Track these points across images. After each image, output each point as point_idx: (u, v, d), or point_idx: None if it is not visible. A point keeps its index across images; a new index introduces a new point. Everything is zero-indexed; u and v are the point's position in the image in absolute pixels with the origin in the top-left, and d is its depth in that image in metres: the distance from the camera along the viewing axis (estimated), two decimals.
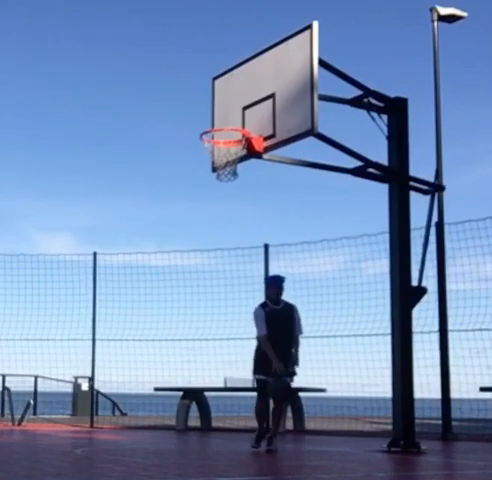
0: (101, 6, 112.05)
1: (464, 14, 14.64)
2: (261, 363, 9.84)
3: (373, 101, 10.85)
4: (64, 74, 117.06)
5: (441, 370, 13.22)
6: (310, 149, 10.73)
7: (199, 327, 16.26)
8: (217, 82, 11.39)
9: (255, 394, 10.32)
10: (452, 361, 13.27)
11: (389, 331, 10.84)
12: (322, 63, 10.10)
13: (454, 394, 13.29)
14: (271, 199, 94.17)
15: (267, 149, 10.39)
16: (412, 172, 10.97)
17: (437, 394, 13.22)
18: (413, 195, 11.00)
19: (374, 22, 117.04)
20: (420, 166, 12.21)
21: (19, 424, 16.04)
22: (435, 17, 14.50)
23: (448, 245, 13.66)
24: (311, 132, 9.89)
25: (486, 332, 13.13)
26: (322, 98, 10.14)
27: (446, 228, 13.75)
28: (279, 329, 9.81)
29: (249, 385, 14.43)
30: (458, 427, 13.97)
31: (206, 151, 10.61)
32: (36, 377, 19.33)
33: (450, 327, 13.39)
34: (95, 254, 16.63)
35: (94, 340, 16.36)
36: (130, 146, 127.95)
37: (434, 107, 14.24)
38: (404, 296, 10.65)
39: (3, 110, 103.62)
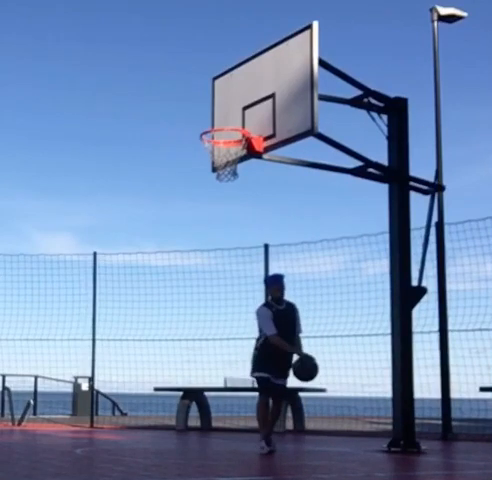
0: (101, 6, 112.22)
1: (464, 14, 14.64)
2: (262, 361, 9.77)
3: (373, 101, 10.85)
4: (64, 74, 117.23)
5: (441, 370, 13.22)
6: (310, 149, 10.75)
7: (199, 327, 16.28)
8: (217, 82, 11.39)
9: (255, 394, 10.31)
10: (452, 361, 13.28)
11: (389, 331, 10.84)
12: (322, 63, 10.10)
13: (454, 394, 13.30)
14: (271, 199, 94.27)
15: (267, 149, 10.39)
16: (412, 172, 10.98)
17: (437, 394, 13.22)
18: (413, 195, 11.01)
19: (374, 22, 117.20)
20: (420, 166, 12.23)
21: (19, 424, 16.04)
22: (435, 17, 14.50)
23: (448, 245, 13.68)
24: (311, 132, 9.89)
25: (486, 332, 13.14)
26: (322, 98, 10.14)
27: (446, 228, 13.75)
28: (284, 330, 9.72)
29: (249, 385, 14.45)
30: (458, 427, 13.97)
31: (206, 151, 10.61)
32: (36, 377, 19.32)
33: (450, 327, 13.39)
34: (95, 254, 16.63)
35: (94, 340, 16.36)
36: (130, 146, 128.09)
37: (434, 107, 14.25)
38: (404, 296, 10.65)
39: (3, 110, 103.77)
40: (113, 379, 16.55)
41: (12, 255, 17.18)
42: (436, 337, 13.39)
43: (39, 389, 19.62)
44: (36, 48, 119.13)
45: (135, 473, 7.32)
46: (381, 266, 13.60)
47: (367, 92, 10.76)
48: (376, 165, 10.77)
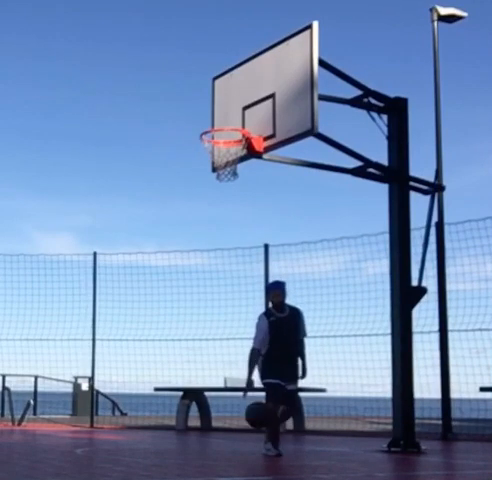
0: (101, 6, 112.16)
1: (464, 14, 14.64)
2: (271, 367, 9.59)
3: (373, 101, 10.85)
4: (64, 74, 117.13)
5: (441, 370, 13.22)
6: (310, 149, 10.75)
7: (199, 327, 16.30)
8: (217, 82, 11.39)
9: (255, 394, 10.28)
10: (452, 361, 13.28)
11: (389, 331, 10.84)
12: (322, 63, 10.10)
13: (454, 394, 13.31)
14: (271, 199, 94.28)
15: (267, 149, 10.39)
16: (412, 172, 10.98)
17: (437, 394, 13.22)
18: (413, 195, 11.01)
19: (374, 22, 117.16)
20: (420, 166, 12.24)
21: (19, 424, 16.04)
22: (435, 17, 14.50)
23: (448, 245, 13.68)
24: (311, 132, 9.89)
25: (486, 332, 13.15)
26: (322, 98, 10.14)
27: (446, 228, 13.76)
28: (284, 337, 9.48)
29: None
30: (458, 427, 13.96)
31: (206, 151, 10.62)
32: (36, 377, 19.33)
33: (450, 327, 13.39)
34: (95, 254, 16.64)
35: (94, 340, 16.37)
36: (130, 146, 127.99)
37: (434, 107, 14.25)
38: (404, 296, 10.65)
39: (3, 110, 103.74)
40: (113, 379, 16.58)
41: (12, 255, 17.23)
42: (436, 337, 13.40)
43: (39, 389, 19.64)
44: (36, 48, 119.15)
45: (135, 473, 7.32)
46: (381, 266, 13.62)
47: (367, 92, 10.76)
48: (376, 165, 10.77)
